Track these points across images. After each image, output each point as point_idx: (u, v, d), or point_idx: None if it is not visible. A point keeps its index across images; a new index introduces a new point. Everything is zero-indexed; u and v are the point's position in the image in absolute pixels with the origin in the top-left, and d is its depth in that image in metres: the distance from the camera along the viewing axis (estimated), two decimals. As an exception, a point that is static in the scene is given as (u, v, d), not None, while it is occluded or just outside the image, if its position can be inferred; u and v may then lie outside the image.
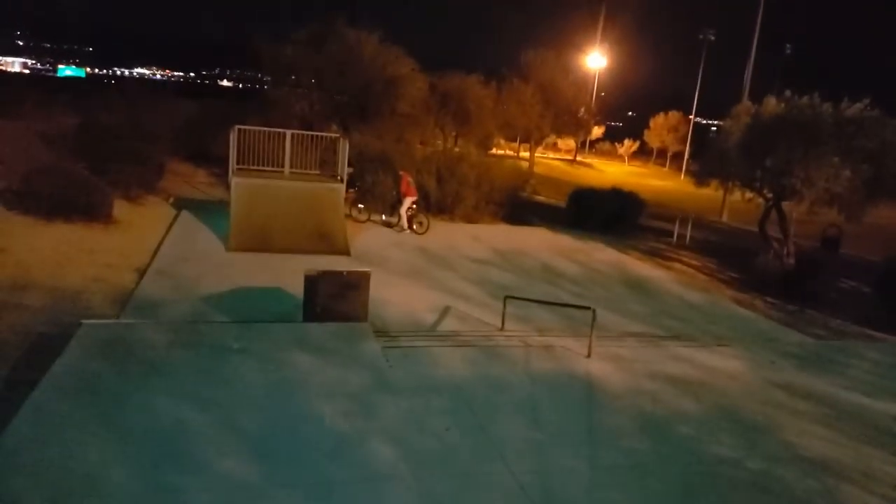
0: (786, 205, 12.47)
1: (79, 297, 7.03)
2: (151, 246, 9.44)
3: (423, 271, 10.13)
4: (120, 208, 10.77)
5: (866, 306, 10.95)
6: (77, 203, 9.59)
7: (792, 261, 12.27)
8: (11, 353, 5.52)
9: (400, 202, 12.84)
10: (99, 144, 13.08)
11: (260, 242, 10.21)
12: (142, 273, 8.15)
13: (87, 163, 12.13)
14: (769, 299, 10.99)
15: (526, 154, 30.83)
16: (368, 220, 13.25)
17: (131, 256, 8.78)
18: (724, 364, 6.60)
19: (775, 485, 4.38)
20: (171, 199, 12.88)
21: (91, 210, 9.79)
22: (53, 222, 9.33)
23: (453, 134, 21.26)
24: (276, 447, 4.20)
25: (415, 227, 12.76)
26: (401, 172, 13.15)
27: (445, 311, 8.26)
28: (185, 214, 11.56)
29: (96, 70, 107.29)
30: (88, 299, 7.04)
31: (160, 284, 7.82)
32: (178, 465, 3.88)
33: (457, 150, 18.49)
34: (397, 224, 12.80)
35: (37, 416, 4.19)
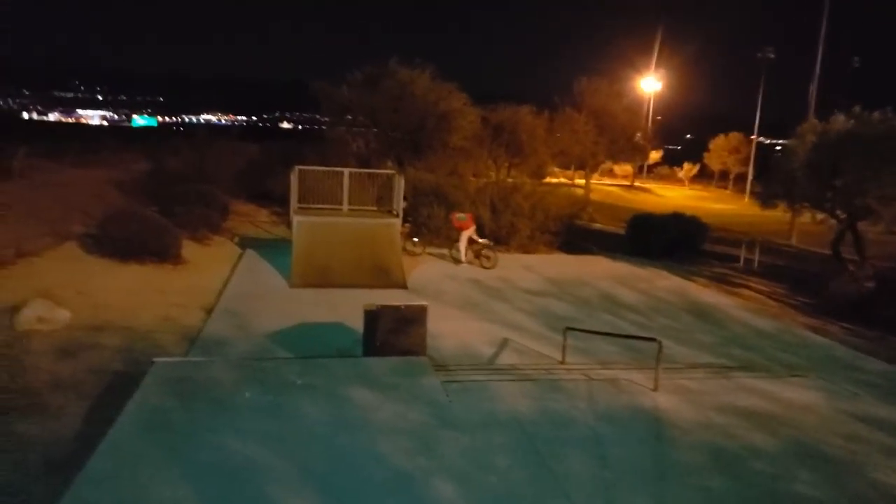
0: (861, 225, 11.88)
1: (151, 337, 7.33)
2: (218, 285, 9.78)
3: (479, 304, 10.10)
4: (188, 249, 11.23)
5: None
6: (149, 245, 10.08)
7: (870, 283, 11.63)
8: (89, 391, 5.78)
9: (458, 238, 12.99)
10: (167, 188, 13.78)
11: (321, 278, 10.44)
12: (209, 311, 8.44)
13: (157, 206, 12.77)
14: (846, 325, 10.42)
15: (581, 181, 30.59)
16: (423, 252, 13.38)
17: (199, 295, 9.11)
18: (798, 396, 6.27)
19: (863, 526, 4.10)
20: (236, 239, 13.36)
21: (162, 251, 10.26)
22: (127, 264, 9.81)
23: (506, 165, 21.35)
24: (339, 483, 4.22)
25: (482, 261, 12.77)
26: (452, 215, 13.38)
27: (503, 344, 8.18)
28: (249, 253, 11.97)
29: (167, 118, 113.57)
30: (160, 338, 7.33)
31: (226, 322, 8.07)
32: (245, 502, 3.95)
33: (510, 180, 18.53)
34: (460, 256, 12.92)
35: (114, 454, 4.36)
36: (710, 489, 4.47)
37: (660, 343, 6.27)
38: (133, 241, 9.93)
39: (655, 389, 6.11)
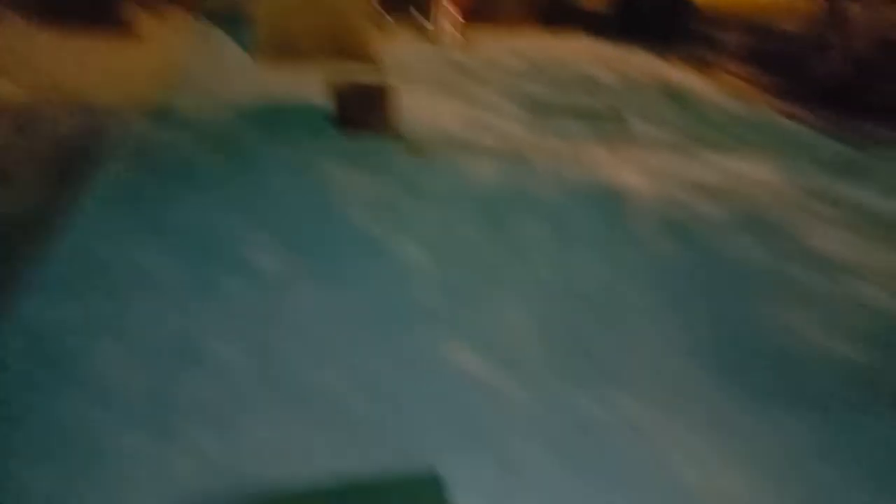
0: (846, 4, 11.36)
1: (110, 111, 7.13)
2: (177, 59, 9.31)
3: (452, 82, 9.85)
4: (140, 19, 10.48)
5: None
6: (94, 13, 9.38)
7: (849, 67, 11.45)
8: (52, 164, 5.75)
9: (434, 7, 12.13)
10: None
11: (288, 52, 9.97)
12: (168, 86, 8.14)
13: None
14: (819, 110, 10.46)
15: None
16: (397, 27, 12.65)
17: (156, 69, 8.71)
18: (754, 171, 6.51)
19: (790, 282, 4.52)
20: (194, 10, 12.42)
21: (110, 21, 9.59)
22: (74, 37, 9.19)
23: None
24: (310, 246, 4.47)
25: (452, 36, 12.15)
26: None
27: (476, 124, 8.15)
28: (208, 25, 11.23)
29: None
30: (120, 113, 7.14)
31: (189, 96, 7.84)
32: (221, 263, 4.19)
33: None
34: (433, 31, 12.21)
35: (84, 222, 4.49)
36: (659, 253, 4.82)
37: (625, 119, 6.29)
38: (74, 7, 9.21)
39: (617, 163, 6.28)
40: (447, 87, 9.59)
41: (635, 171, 6.22)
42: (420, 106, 8.22)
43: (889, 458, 3.03)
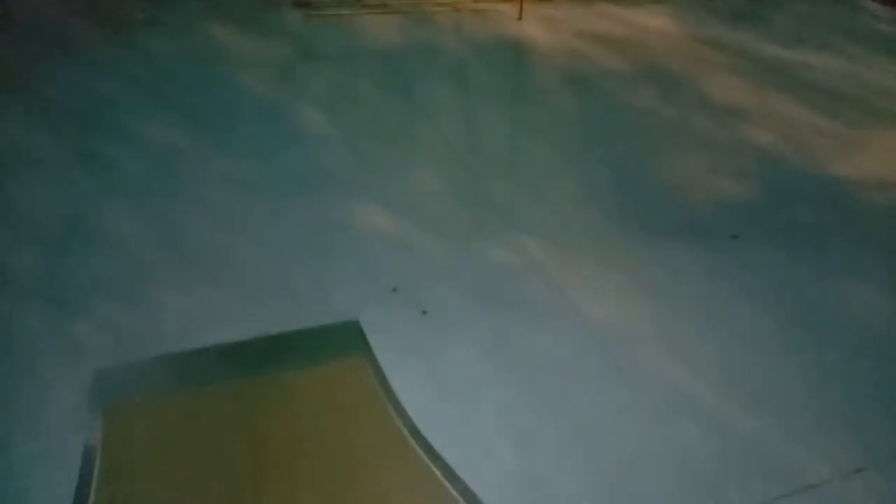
0: None
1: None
2: None
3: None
4: None
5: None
6: None
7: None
8: None
9: None
10: None
11: None
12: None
13: None
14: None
15: None
16: None
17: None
18: (654, 22, 6.54)
19: (684, 128, 4.72)
20: None
21: None
22: None
23: None
24: (203, 115, 4.19)
25: None
26: None
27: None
28: None
29: None
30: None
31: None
32: (103, 135, 3.88)
33: None
34: None
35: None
36: (560, 106, 4.88)
37: (528, -32, 6.08)
38: None
39: (520, 19, 6.13)
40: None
41: (539, 25, 6.11)
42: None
43: (761, 277, 3.38)
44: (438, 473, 2.02)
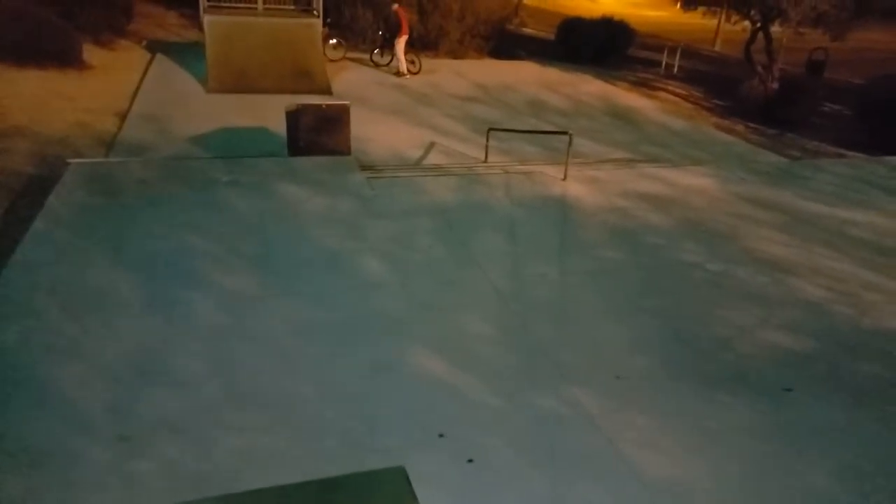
0: (773, 29, 12.14)
1: (64, 142, 7.09)
2: (129, 90, 9.30)
3: (405, 109, 10.09)
4: (92, 54, 10.44)
5: (845, 129, 11.09)
6: (48, 49, 9.30)
7: (776, 85, 12.19)
8: (5, 193, 5.71)
9: (393, 40, 12.17)
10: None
11: (239, 82, 10.06)
12: (123, 117, 8.13)
13: (56, 8, 11.56)
14: (751, 125, 11.09)
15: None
16: (344, 58, 12.84)
17: (110, 101, 8.69)
18: (695, 182, 6.88)
19: (731, 281, 4.81)
20: (144, 43, 12.41)
21: (63, 55, 9.51)
22: (26, 69, 9.10)
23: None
24: (273, 265, 4.54)
25: (409, 66, 12.28)
26: (395, 6, 12.06)
27: (429, 147, 8.38)
28: (159, 58, 11.23)
29: None
30: (73, 143, 7.11)
31: (143, 127, 7.85)
32: (182, 282, 4.23)
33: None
34: (388, 64, 12.36)
35: (41, 244, 4.47)
36: (607, 259, 5.07)
37: (570, 136, 6.60)
38: (28, 42, 9.12)
39: (565, 179, 6.56)
40: (400, 111, 9.83)
41: (583, 185, 6.51)
42: (374, 129, 8.41)
43: (817, 432, 3.27)
44: None
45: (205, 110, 8.82)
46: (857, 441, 3.22)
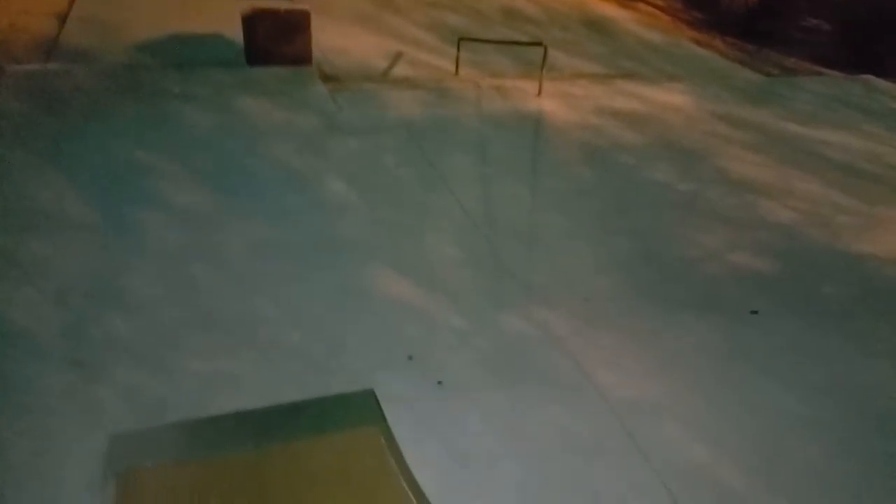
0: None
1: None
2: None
3: (370, 16, 9.53)
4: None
5: (825, 45, 10.89)
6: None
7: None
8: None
9: None
10: None
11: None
12: (63, 19, 7.50)
13: None
14: (730, 39, 10.81)
15: None
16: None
17: (49, 1, 7.99)
18: (671, 99, 6.71)
19: (702, 202, 4.76)
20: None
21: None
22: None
23: None
24: (230, 183, 4.32)
25: None
26: None
27: (396, 58, 7.96)
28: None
29: None
30: (9, 48, 6.55)
31: (86, 31, 7.25)
32: (132, 200, 4.00)
33: None
34: None
35: (-20, 160, 4.17)
36: (578, 178, 4.95)
37: (545, 47, 6.31)
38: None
39: (539, 94, 6.33)
40: (365, 19, 9.28)
41: (558, 101, 6.29)
42: (337, 38, 7.93)
43: (781, 353, 3.32)
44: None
45: (154, 13, 8.19)
46: (820, 361, 3.27)
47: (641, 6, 12.36)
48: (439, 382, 2.93)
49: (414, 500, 2.28)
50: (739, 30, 11.11)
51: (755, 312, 3.59)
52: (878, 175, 5.43)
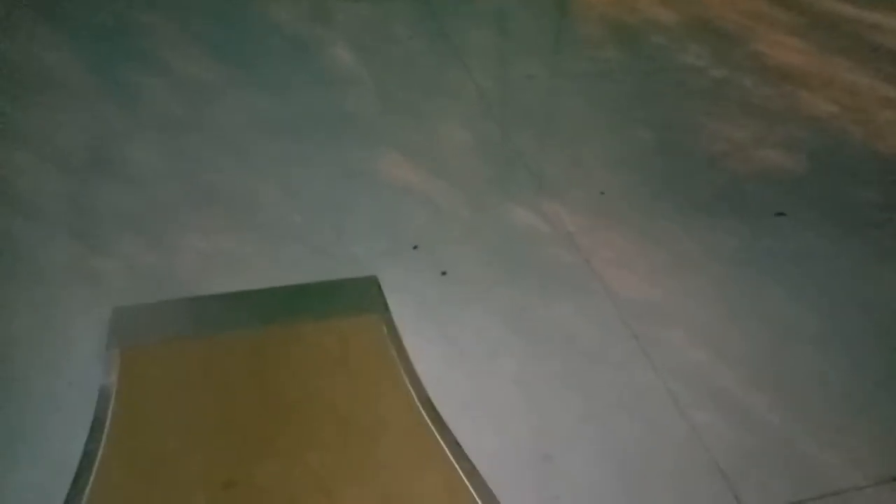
0: None
1: None
2: None
3: None
4: None
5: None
6: None
7: None
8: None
9: None
10: None
11: None
12: None
13: None
14: None
15: None
16: None
17: None
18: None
19: (734, 91, 4.45)
20: None
21: None
22: None
23: None
24: (232, 50, 4.08)
25: None
26: None
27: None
28: None
29: None
30: None
31: None
32: (132, 64, 3.80)
33: None
34: None
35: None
36: (603, 60, 4.62)
37: None
38: None
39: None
40: None
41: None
42: None
43: (802, 263, 3.20)
44: (446, 449, 1.97)
45: None
46: (841, 273, 3.15)
47: None
48: (443, 273, 2.88)
49: (412, 389, 2.30)
50: None
51: (782, 214, 3.43)
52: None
